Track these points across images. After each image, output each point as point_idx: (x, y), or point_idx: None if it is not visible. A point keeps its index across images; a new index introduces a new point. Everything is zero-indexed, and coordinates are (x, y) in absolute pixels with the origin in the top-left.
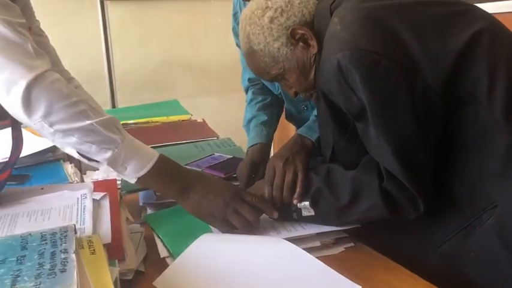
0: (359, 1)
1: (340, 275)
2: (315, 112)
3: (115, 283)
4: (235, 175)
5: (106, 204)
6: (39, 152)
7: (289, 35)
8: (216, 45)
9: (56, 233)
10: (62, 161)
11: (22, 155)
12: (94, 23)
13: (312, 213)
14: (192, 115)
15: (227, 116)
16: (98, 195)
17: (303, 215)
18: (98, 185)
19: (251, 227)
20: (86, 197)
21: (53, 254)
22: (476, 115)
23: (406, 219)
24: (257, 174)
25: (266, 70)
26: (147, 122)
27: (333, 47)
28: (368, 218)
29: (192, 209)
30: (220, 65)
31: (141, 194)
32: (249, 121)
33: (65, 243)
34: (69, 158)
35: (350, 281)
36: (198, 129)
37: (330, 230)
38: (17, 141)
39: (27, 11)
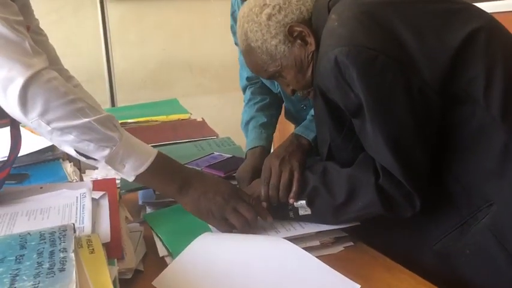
0: None
1: (339, 274)
2: (311, 112)
3: (114, 282)
4: (234, 174)
5: (105, 203)
6: (38, 151)
7: (287, 32)
8: (216, 45)
9: (55, 232)
10: (61, 160)
11: (21, 154)
12: (94, 21)
13: (309, 212)
14: (191, 114)
15: (227, 115)
16: (97, 194)
17: (300, 214)
18: (97, 184)
19: (250, 226)
20: (85, 196)
21: (51, 253)
22: (473, 114)
23: (402, 216)
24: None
25: (264, 68)
26: (147, 121)
27: (330, 43)
28: (364, 215)
29: (191, 207)
30: (220, 64)
31: (140, 193)
32: (248, 122)
33: (64, 242)
34: (68, 157)
35: (349, 280)
36: (198, 129)
37: (329, 229)
38: (16, 140)
39: (26, 10)
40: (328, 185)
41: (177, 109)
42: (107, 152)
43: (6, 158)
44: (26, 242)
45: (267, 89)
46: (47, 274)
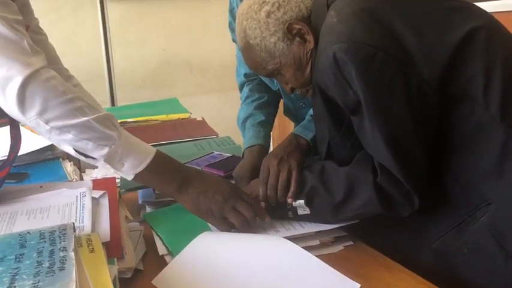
0: None
1: (339, 273)
2: (310, 112)
3: (114, 281)
4: None
5: (105, 202)
6: (38, 150)
7: (286, 30)
8: (216, 44)
9: (54, 231)
10: (61, 159)
11: (21, 153)
12: (93, 21)
13: (308, 211)
14: (191, 113)
15: (226, 115)
16: (97, 194)
17: (299, 213)
18: (97, 183)
19: (249, 226)
20: (85, 195)
21: (51, 252)
22: (472, 113)
23: (401, 215)
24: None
25: (262, 65)
26: (147, 121)
27: (329, 39)
28: (363, 214)
29: (191, 206)
30: (219, 63)
31: (140, 192)
32: (245, 120)
33: (64, 241)
34: (68, 156)
35: (349, 279)
36: (198, 128)
37: (329, 228)
38: (16, 139)
39: (25, 9)
40: (326, 184)
41: (177, 108)
42: (105, 150)
43: (6, 157)
44: (25, 241)
45: (265, 86)
46: (46, 273)
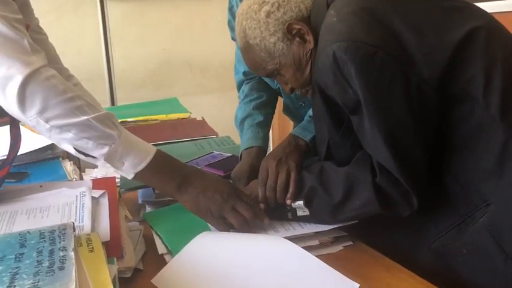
0: None
1: (338, 273)
2: (309, 112)
3: (113, 281)
4: None
5: (105, 202)
6: (38, 149)
7: (286, 30)
8: (216, 44)
9: (54, 230)
10: (60, 159)
11: (21, 152)
12: (94, 20)
13: (307, 212)
14: (191, 113)
15: (226, 114)
16: (96, 193)
17: (298, 214)
18: (97, 183)
19: (248, 226)
20: (84, 195)
21: (51, 252)
22: (472, 112)
23: (400, 215)
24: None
25: (262, 65)
26: (147, 120)
27: (329, 38)
28: (363, 214)
29: (190, 205)
30: (219, 63)
31: (140, 192)
32: (243, 119)
33: (64, 241)
34: (68, 156)
35: (349, 279)
36: (198, 128)
37: (329, 228)
38: (16, 139)
39: (25, 9)
40: (325, 184)
41: (176, 108)
42: (105, 149)
43: (5, 157)
44: (25, 241)
45: (265, 85)
46: (46, 273)
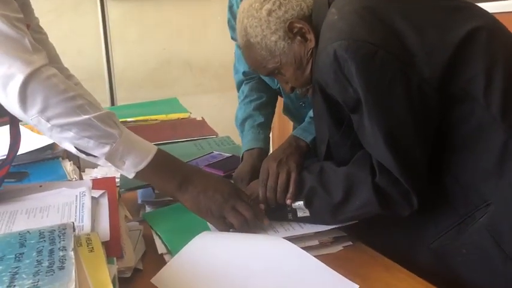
0: None
1: (338, 273)
2: (310, 113)
3: (113, 281)
4: (234, 174)
5: (105, 202)
6: (37, 149)
7: (287, 28)
8: (216, 44)
9: (54, 230)
10: (60, 159)
11: (21, 152)
12: (94, 20)
13: (307, 213)
14: (191, 113)
15: (226, 114)
16: (96, 193)
17: (298, 215)
18: (97, 183)
19: (248, 226)
20: (84, 195)
21: (51, 252)
22: (473, 112)
23: (400, 215)
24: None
25: (263, 64)
26: (146, 120)
27: (330, 36)
28: (362, 214)
29: (190, 204)
30: (219, 63)
31: (139, 192)
32: (244, 120)
33: (64, 240)
34: (68, 156)
35: (348, 280)
36: (197, 128)
37: (328, 228)
38: (15, 138)
39: (26, 8)
40: (325, 185)
41: (176, 108)
42: (106, 148)
43: (5, 156)
44: (25, 240)
45: (265, 85)
46: (46, 272)
